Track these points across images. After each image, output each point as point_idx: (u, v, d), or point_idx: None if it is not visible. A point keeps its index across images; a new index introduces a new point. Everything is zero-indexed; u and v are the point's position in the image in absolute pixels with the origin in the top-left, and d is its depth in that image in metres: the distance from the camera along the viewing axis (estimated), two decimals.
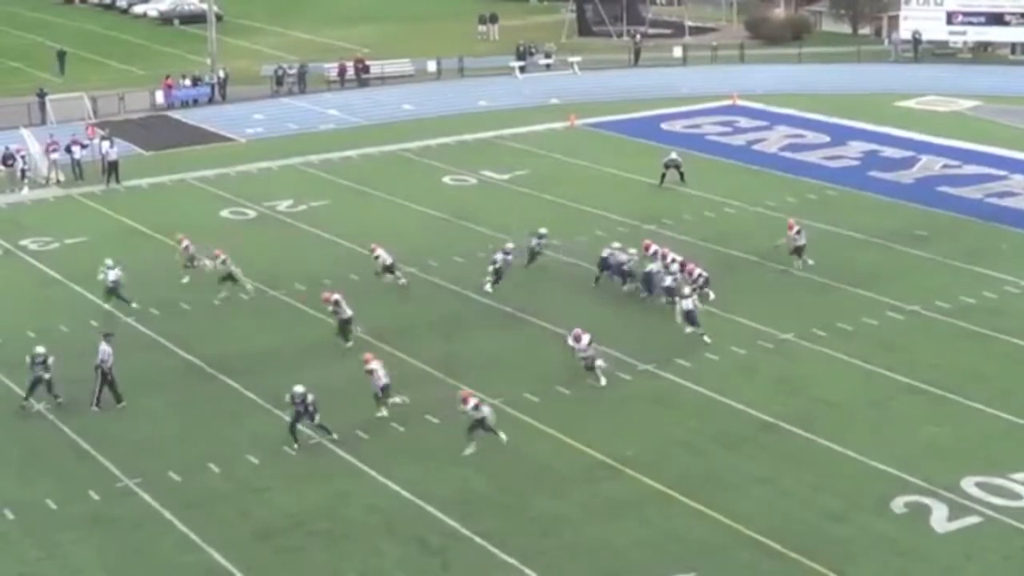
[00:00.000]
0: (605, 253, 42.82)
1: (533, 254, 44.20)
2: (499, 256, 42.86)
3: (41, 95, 71.86)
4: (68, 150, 60.06)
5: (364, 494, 30.59)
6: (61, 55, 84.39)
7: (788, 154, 59.38)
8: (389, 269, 43.48)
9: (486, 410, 31.95)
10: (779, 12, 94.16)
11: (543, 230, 44.81)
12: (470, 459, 31.83)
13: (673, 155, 54.74)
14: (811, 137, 62.12)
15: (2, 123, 66.73)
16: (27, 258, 48.47)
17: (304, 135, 66.49)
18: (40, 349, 35.63)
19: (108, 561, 28.17)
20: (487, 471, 31.38)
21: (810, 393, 35.17)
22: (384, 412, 34.11)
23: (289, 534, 28.99)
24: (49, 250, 49.31)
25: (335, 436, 32.86)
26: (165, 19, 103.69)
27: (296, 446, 32.55)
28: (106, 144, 59.83)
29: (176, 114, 72.62)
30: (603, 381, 35.61)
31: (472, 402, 31.84)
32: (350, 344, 38.55)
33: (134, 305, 42.26)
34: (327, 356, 38.22)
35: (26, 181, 58.23)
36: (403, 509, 29.84)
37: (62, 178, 59.20)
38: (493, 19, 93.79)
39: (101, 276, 42.66)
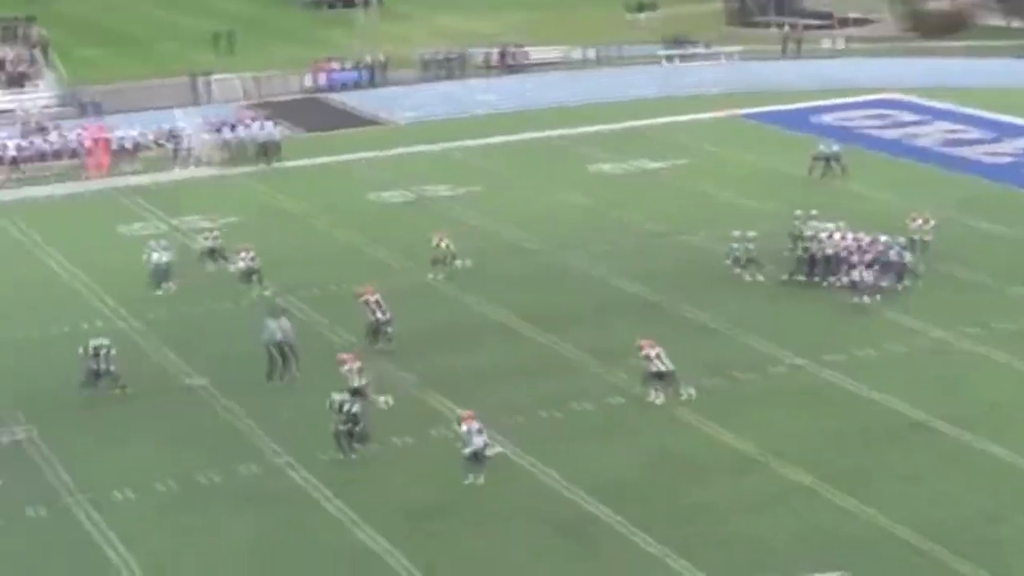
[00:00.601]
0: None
1: (796, 239, 42.79)
2: (737, 245, 42.49)
3: (201, 75, 73.19)
4: (224, 130, 61.14)
5: (515, 479, 30.72)
6: (224, 36, 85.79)
7: (947, 149, 58.39)
8: (444, 259, 43.24)
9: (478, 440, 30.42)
10: (938, 4, 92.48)
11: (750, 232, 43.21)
12: (619, 448, 31.85)
13: (824, 147, 54.12)
14: (971, 132, 61.00)
15: (163, 102, 68.03)
16: (183, 238, 49.38)
17: (457, 120, 66.91)
18: (104, 341, 35.59)
19: (263, 536, 28.64)
20: (636, 460, 31.37)
21: (966, 392, 34.59)
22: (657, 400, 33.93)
23: (440, 518, 29.19)
24: (204, 227, 50.14)
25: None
26: (323, 3, 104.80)
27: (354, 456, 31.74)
28: (263, 125, 60.88)
29: (332, 97, 73.53)
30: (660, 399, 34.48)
31: (471, 425, 30.50)
32: (382, 346, 37.54)
33: (159, 292, 42.85)
34: (478, 339, 38.44)
35: (186, 160, 59.40)
36: (552, 495, 29.90)
37: (220, 158, 60.31)
38: (648, 7, 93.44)
39: (146, 256, 43.55)
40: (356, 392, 32.76)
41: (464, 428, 30.23)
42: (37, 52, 75.79)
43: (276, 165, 58.87)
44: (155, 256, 43.57)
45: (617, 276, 43.32)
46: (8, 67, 73.65)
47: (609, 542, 28.07)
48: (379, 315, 37.43)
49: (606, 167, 57.04)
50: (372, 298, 37.68)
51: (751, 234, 42.67)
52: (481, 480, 30.06)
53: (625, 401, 34.29)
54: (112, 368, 35.16)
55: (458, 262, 43.42)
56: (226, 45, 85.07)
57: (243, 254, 42.99)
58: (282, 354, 35.86)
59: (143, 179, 57.74)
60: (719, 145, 59.84)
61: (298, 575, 27.15)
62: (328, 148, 61.86)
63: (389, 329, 37.52)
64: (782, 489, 29.94)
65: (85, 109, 68.24)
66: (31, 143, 60.11)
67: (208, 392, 35.75)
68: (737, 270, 42.43)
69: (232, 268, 43.38)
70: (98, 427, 33.90)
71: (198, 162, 59.70)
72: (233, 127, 61.10)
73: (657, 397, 33.81)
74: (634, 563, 27.31)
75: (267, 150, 59.41)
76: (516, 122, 65.80)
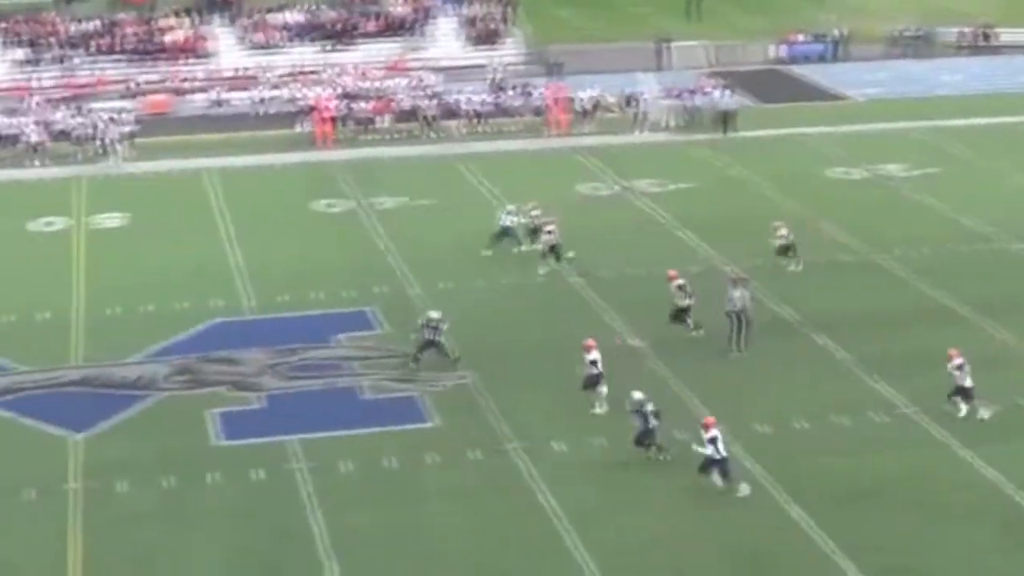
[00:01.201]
0: None
1: None
2: None
3: (662, 41, 73.82)
4: (684, 97, 61.56)
5: (949, 470, 29.77)
6: (695, 2, 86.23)
7: None
8: (786, 250, 41.76)
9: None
10: None
11: None
12: None
13: None
14: None
15: (624, 66, 68.95)
16: (637, 199, 50.04)
17: (919, 100, 65.21)
18: (434, 314, 35.28)
19: (686, 497, 28.67)
20: None
21: None
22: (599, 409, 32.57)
23: (873, 498, 28.53)
24: (658, 192, 50.74)
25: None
26: None
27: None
28: (723, 94, 60.95)
29: (793, 69, 72.85)
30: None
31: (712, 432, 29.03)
32: (696, 332, 36.70)
33: (516, 249, 43.03)
34: (907, 325, 37.38)
35: (643, 124, 60.10)
36: (992, 492, 28.80)
37: (676, 124, 60.74)
38: None
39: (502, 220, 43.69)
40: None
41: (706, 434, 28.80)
42: (509, 10, 78.05)
43: (731, 135, 58.82)
44: (507, 219, 44.00)
45: None
46: (478, 24, 76.24)
47: None
48: (686, 300, 36.87)
49: None
50: (677, 282, 37.18)
51: None
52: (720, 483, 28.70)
53: None
54: (442, 340, 34.92)
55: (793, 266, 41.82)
56: (695, 12, 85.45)
57: (548, 228, 42.53)
58: (739, 324, 35.92)
59: (599, 140, 58.77)
60: None
61: (715, 537, 27.12)
62: (783, 120, 61.37)
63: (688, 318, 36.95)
64: None
65: (550, 69, 69.88)
66: (496, 98, 62.15)
67: (646, 354, 36.07)
68: None
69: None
70: (535, 379, 34.68)
71: (654, 127, 60.28)
72: (692, 94, 61.44)
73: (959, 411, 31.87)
74: None
75: (725, 119, 59.41)
76: (981, 105, 63.44)
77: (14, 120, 59.02)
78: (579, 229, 45.81)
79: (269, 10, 75.93)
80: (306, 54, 72.80)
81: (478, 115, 60.90)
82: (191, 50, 73.13)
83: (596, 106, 61.03)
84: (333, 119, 59.79)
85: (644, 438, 29.95)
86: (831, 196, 49.99)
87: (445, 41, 75.49)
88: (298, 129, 60.65)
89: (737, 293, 36.12)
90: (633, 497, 28.78)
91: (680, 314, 36.88)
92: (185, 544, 27.19)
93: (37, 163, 56.49)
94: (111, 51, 72.51)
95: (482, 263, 42.89)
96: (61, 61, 71.34)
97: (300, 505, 28.61)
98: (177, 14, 75.23)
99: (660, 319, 37.40)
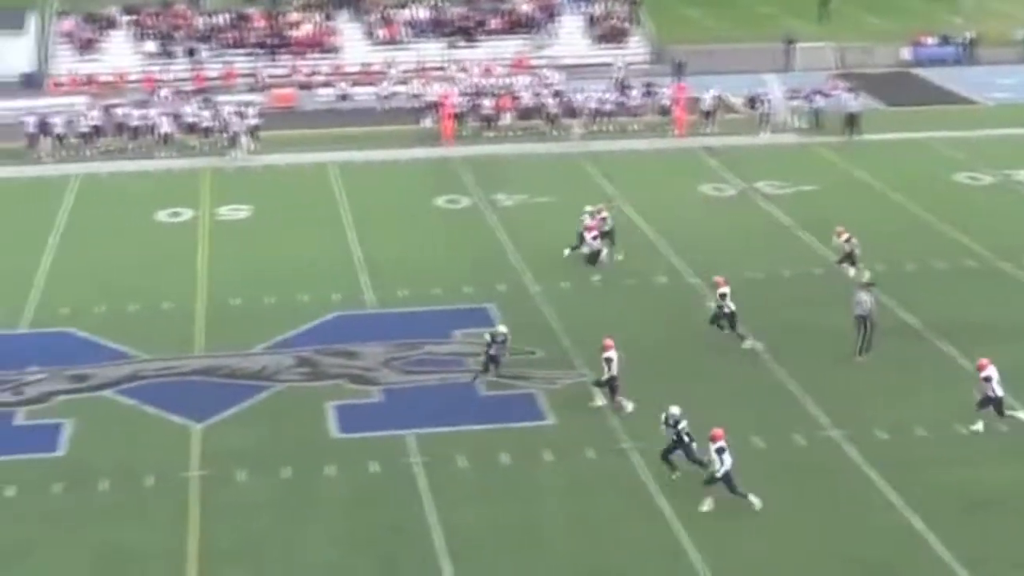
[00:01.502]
0: None
1: None
2: None
3: (789, 42, 73.19)
4: (810, 98, 61.04)
5: None
6: (826, 3, 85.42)
7: None
8: (849, 258, 40.91)
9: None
10: None
11: None
12: None
13: None
14: None
15: (750, 67, 68.49)
16: (759, 201, 49.69)
17: None
18: (502, 329, 34.93)
19: (801, 504, 28.45)
20: None
21: None
22: (599, 402, 32.80)
23: (994, 509, 28.11)
24: (781, 194, 50.32)
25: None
26: None
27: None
28: (849, 96, 60.35)
29: (921, 72, 71.89)
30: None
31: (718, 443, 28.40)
32: (747, 343, 36.21)
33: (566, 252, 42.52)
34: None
35: (767, 125, 59.64)
36: None
37: (801, 125, 60.24)
38: None
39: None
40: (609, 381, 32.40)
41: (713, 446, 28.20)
42: (634, 8, 77.82)
43: (856, 138, 58.14)
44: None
45: None
46: (602, 22, 76.12)
47: None
48: (725, 308, 36.41)
49: None
50: (722, 290, 36.59)
51: None
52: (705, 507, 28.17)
53: None
54: (503, 356, 34.49)
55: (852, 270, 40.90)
56: (824, 13, 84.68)
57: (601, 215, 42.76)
58: (864, 327, 35.55)
59: (723, 140, 58.41)
60: None
61: (837, 547, 26.82)
62: (910, 124, 60.54)
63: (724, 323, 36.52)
64: None
65: (674, 68, 69.60)
66: (619, 97, 62.01)
67: (765, 357, 35.80)
68: None
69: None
70: (653, 376, 34.57)
71: (778, 128, 59.79)
72: (817, 95, 60.90)
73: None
74: None
75: (851, 121, 58.74)
76: None
77: (144, 112, 59.96)
78: (700, 230, 45.74)
79: (395, 6, 76.43)
80: (431, 50, 73.17)
81: (600, 113, 60.79)
82: (318, 44, 73.86)
83: (719, 106, 60.68)
84: (456, 115, 60.01)
85: (668, 453, 29.37)
86: (957, 201, 49.27)
87: (569, 39, 75.48)
88: (421, 125, 60.95)
89: (865, 296, 35.81)
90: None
91: (720, 320, 36.51)
92: (301, 534, 27.45)
93: (165, 154, 57.35)
94: (239, 45, 73.45)
95: (602, 262, 42.74)
96: (190, 54, 72.38)
97: (415, 499, 28.76)
98: (305, 8, 76.01)
99: (779, 321, 37.13)
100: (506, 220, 47.62)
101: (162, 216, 49.11)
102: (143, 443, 31.56)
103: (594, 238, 42.37)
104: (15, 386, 34.53)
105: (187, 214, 49.35)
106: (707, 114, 60.28)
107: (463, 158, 56.33)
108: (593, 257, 42.40)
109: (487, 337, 34.70)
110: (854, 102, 59.79)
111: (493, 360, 34.44)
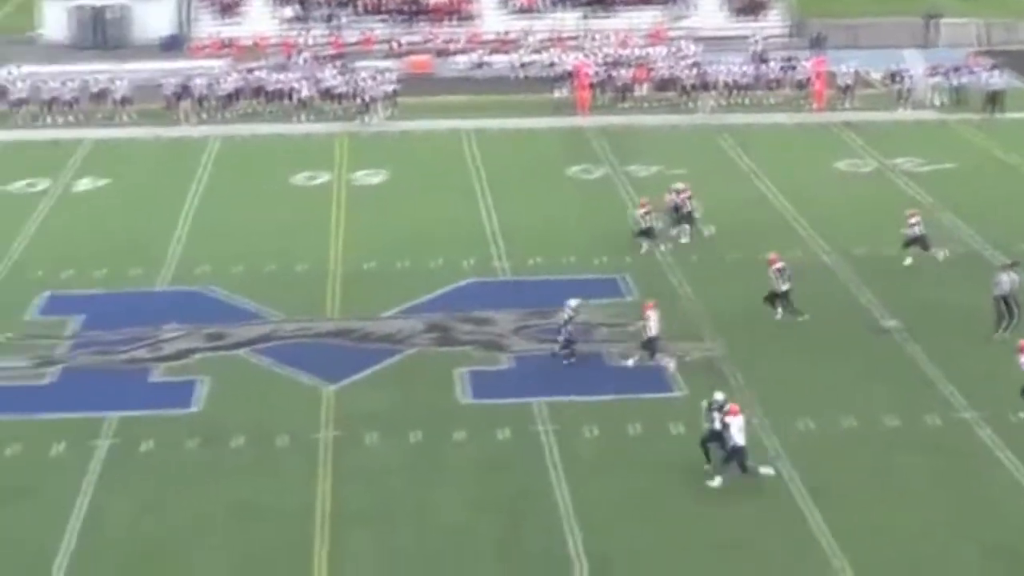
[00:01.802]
0: None
1: None
2: None
3: (931, 17, 72.00)
4: (949, 75, 60.05)
5: None
6: None
7: None
8: (918, 242, 39.82)
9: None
10: None
11: None
12: None
13: None
14: None
15: (891, 42, 67.59)
16: (896, 178, 49.00)
17: None
18: (573, 302, 34.15)
19: (937, 487, 28.10)
20: None
21: None
22: (630, 362, 33.28)
23: None
24: (919, 171, 49.61)
25: None
26: None
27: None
28: (991, 73, 59.26)
29: None
30: None
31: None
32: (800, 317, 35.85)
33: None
34: None
35: (907, 102, 58.80)
36: None
37: (941, 102, 59.32)
38: None
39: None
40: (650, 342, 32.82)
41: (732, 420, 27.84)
42: None
43: (999, 116, 57.11)
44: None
45: None
46: None
47: None
48: (785, 285, 35.82)
49: None
50: (777, 266, 36.04)
51: None
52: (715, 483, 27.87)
53: None
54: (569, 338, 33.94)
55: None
56: None
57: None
58: (1008, 307, 34.99)
59: (861, 116, 57.71)
60: None
61: (970, 530, 26.45)
62: None
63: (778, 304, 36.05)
64: None
65: (813, 42, 68.74)
66: (757, 69, 61.49)
67: (901, 336, 35.35)
68: None
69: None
70: (784, 352, 34.33)
71: (918, 104, 58.91)
72: (959, 72, 59.91)
73: None
74: None
75: (993, 99, 57.72)
76: None
77: (283, 76, 60.60)
78: (836, 206, 45.28)
79: None
80: (567, 20, 73.03)
81: (737, 87, 60.31)
82: (455, 12, 74.07)
83: (857, 82, 59.90)
84: (592, 85, 59.87)
85: (706, 442, 28.57)
86: None
87: (708, 10, 74.89)
88: (557, 94, 60.90)
89: (1005, 277, 35.29)
90: (880, 480, 28.26)
91: (774, 298, 36.03)
92: (430, 497, 27.65)
93: (303, 118, 57.91)
94: (377, 11, 73.87)
95: (737, 234, 42.41)
96: (329, 20, 72.94)
97: (543, 467, 28.83)
98: None
99: (916, 299, 36.68)
100: (640, 191, 47.40)
101: (298, 179, 49.67)
102: (276, 403, 31.99)
103: (646, 214, 41.59)
104: (153, 343, 35.18)
105: (323, 178, 49.85)
106: (844, 89, 59.53)
107: (598, 128, 56.22)
108: (647, 232, 41.43)
109: (566, 315, 33.96)
110: (997, 79, 58.71)
111: (571, 342, 33.95)
